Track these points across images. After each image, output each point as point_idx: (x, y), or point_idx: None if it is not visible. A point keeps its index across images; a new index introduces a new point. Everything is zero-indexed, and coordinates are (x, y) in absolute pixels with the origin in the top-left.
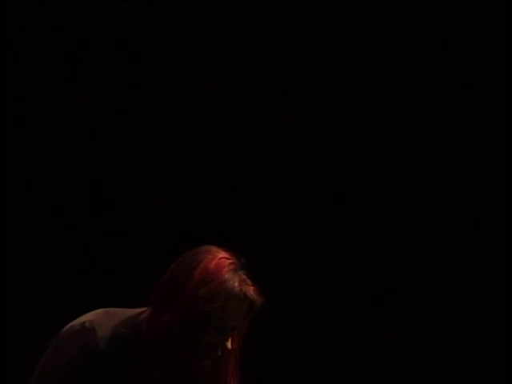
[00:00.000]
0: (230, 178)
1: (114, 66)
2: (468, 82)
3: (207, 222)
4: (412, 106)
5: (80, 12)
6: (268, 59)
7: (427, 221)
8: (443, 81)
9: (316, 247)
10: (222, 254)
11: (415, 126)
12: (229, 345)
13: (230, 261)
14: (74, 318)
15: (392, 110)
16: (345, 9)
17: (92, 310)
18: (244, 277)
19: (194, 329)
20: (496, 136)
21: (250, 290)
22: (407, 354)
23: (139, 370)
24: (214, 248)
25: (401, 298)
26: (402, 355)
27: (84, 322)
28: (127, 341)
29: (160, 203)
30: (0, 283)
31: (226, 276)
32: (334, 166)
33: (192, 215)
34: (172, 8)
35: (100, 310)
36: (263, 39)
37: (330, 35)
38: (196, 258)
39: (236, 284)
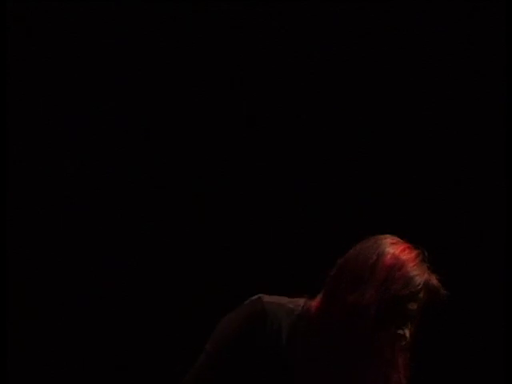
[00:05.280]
0: (231, 177)
1: (113, 65)
2: (468, 82)
3: (207, 221)
4: (412, 105)
5: (80, 12)
6: (268, 59)
7: (427, 221)
8: (443, 80)
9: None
10: (406, 244)
11: (415, 126)
12: (407, 334)
13: (417, 251)
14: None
15: (392, 109)
16: (345, 9)
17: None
18: (429, 268)
19: (383, 312)
20: (496, 136)
21: (437, 281)
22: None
23: (303, 347)
24: (394, 237)
25: None
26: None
27: (250, 297)
28: (293, 314)
29: (160, 203)
30: (0, 283)
31: (417, 264)
32: (334, 166)
33: (193, 215)
34: (172, 8)
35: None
36: (263, 39)
37: (331, 35)
38: (380, 245)
39: (426, 273)
